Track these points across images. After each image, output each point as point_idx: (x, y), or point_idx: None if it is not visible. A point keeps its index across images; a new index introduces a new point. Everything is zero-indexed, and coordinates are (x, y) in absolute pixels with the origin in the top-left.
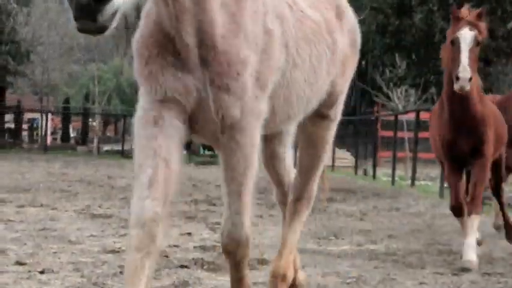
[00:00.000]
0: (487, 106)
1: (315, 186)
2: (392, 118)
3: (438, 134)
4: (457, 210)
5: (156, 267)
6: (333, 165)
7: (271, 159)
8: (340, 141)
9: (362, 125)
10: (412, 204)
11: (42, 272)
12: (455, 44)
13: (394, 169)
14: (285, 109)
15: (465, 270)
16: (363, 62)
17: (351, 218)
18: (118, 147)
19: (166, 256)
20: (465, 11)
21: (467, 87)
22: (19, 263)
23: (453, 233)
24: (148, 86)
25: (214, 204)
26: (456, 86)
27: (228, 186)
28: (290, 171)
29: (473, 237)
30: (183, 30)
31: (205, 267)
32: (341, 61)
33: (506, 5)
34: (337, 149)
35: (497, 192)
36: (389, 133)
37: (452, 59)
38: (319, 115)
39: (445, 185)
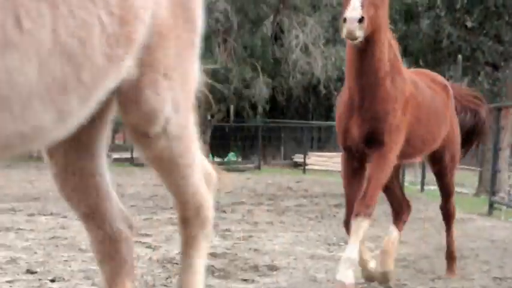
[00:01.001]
0: (402, 85)
1: None
2: None
3: (337, 116)
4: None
5: (166, 275)
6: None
7: None
8: None
9: None
10: (421, 209)
11: (53, 281)
12: None
13: (403, 174)
14: None
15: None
16: None
17: None
18: (127, 155)
19: (176, 263)
20: None
21: (358, 33)
22: (30, 272)
23: (463, 238)
24: None
25: (224, 211)
26: (343, 32)
27: None
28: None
29: (354, 247)
30: None
31: (215, 274)
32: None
33: None
34: None
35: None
36: None
37: (344, 3)
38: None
39: (455, 189)
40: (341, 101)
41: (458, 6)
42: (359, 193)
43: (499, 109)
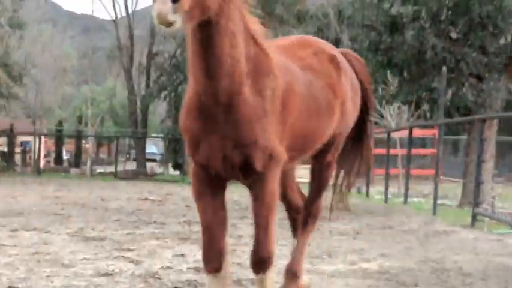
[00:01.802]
0: (272, 87)
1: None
2: (385, 135)
3: (184, 114)
4: (212, 263)
5: None
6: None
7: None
8: None
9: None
10: (405, 221)
11: None
12: None
13: (387, 187)
14: None
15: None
16: None
17: (345, 237)
18: (111, 168)
19: (159, 278)
20: None
21: (171, 18)
22: None
23: (446, 251)
24: None
25: None
26: (154, 17)
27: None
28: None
29: None
30: None
31: None
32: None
33: (497, 20)
34: None
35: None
36: (383, 150)
37: None
38: None
39: (438, 201)
40: (188, 96)
41: (442, 17)
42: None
43: (483, 120)
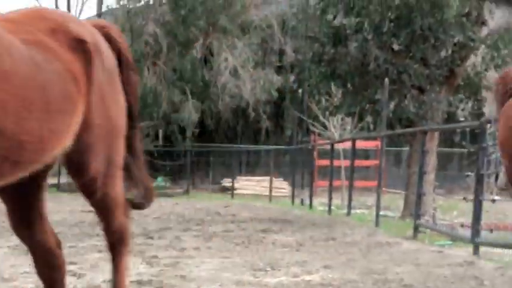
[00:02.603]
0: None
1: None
2: (328, 147)
3: None
4: None
5: None
6: (270, 195)
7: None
8: (277, 170)
9: (299, 154)
10: (348, 233)
11: None
12: None
13: (330, 198)
14: None
15: None
16: (300, 91)
17: (288, 249)
18: (54, 180)
19: None
20: None
21: None
22: None
23: (388, 262)
24: None
25: (151, 237)
26: None
27: None
28: None
29: None
30: None
31: None
32: None
33: (438, 33)
34: (274, 179)
35: None
36: (326, 162)
37: None
38: None
39: (381, 213)
40: None
41: (385, 29)
42: None
43: (425, 132)
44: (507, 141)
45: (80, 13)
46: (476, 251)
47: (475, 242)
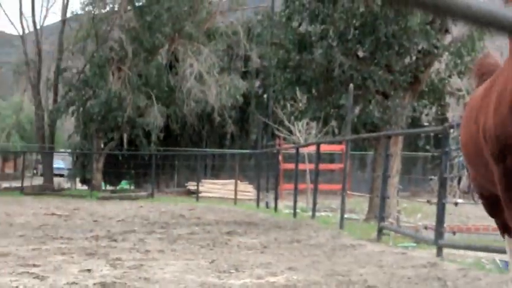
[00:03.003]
0: None
1: None
2: (293, 151)
3: None
4: None
5: None
6: (235, 198)
7: None
8: (243, 174)
9: (264, 158)
10: (312, 235)
11: None
12: None
13: (295, 201)
14: None
15: None
16: (265, 96)
17: (252, 251)
18: (18, 184)
19: None
20: None
21: None
22: None
23: (353, 264)
24: None
25: (115, 240)
26: None
27: None
28: None
29: None
30: None
31: None
32: None
33: (403, 40)
34: (239, 182)
35: None
36: (291, 165)
37: None
38: None
39: (346, 216)
40: None
41: (350, 36)
42: None
43: (389, 137)
44: (465, 126)
45: (44, 19)
46: (439, 253)
47: (439, 244)
